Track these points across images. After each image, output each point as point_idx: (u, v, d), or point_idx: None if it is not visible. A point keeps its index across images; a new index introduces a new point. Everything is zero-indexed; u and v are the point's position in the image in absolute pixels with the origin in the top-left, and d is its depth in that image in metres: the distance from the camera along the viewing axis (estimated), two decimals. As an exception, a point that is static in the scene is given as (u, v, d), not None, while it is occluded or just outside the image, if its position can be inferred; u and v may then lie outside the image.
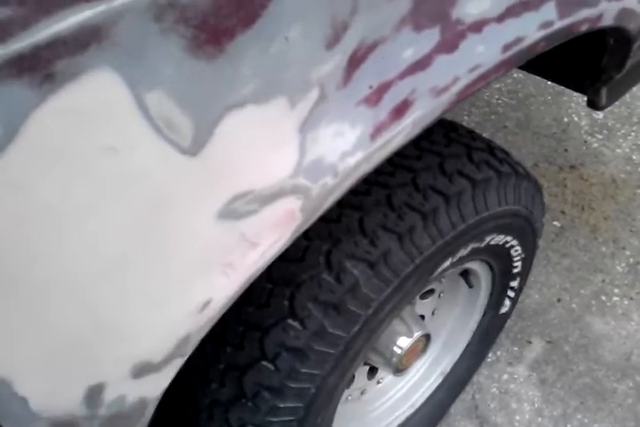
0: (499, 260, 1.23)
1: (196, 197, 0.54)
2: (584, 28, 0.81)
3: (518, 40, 0.71)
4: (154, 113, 0.46)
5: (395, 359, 1.15)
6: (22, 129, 0.40)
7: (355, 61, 0.58)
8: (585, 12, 0.79)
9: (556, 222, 1.94)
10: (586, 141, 2.19)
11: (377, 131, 0.62)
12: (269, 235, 0.60)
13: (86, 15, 0.40)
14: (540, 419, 1.53)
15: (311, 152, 0.59)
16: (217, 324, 0.92)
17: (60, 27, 0.39)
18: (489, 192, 1.05)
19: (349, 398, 1.24)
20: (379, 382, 1.32)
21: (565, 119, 2.25)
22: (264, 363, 0.88)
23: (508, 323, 1.63)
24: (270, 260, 0.63)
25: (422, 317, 1.33)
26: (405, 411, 1.35)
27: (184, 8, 0.44)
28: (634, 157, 2.13)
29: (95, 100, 0.43)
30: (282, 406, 0.90)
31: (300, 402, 0.91)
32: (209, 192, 0.54)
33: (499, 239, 1.15)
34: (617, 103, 2.34)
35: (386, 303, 0.95)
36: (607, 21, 0.85)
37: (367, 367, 1.27)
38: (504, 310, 1.38)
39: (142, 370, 0.58)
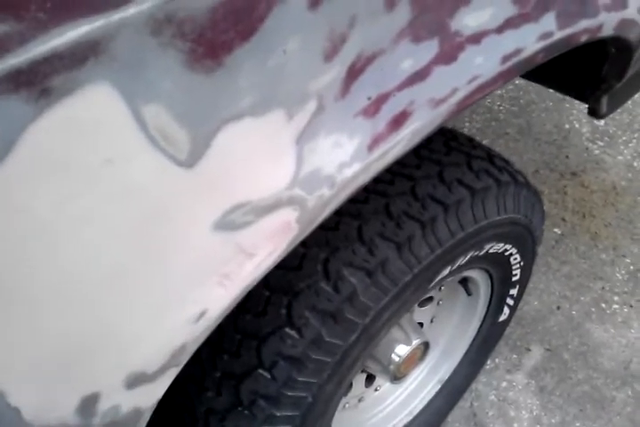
0: (498, 268, 1.23)
1: (193, 208, 0.54)
2: (584, 38, 0.81)
3: (517, 51, 0.71)
4: (151, 126, 0.46)
5: (392, 367, 1.15)
6: (19, 142, 0.40)
7: (353, 73, 0.58)
8: (584, 23, 0.79)
9: (556, 229, 1.93)
10: (587, 148, 2.19)
11: (375, 142, 0.62)
12: (265, 246, 0.60)
13: (84, 30, 0.40)
14: (538, 427, 1.52)
15: (308, 163, 0.59)
16: (214, 331, 0.92)
17: (58, 42, 0.39)
18: (488, 201, 1.05)
19: (347, 405, 1.24)
20: (376, 390, 1.32)
21: (567, 126, 2.25)
22: (261, 371, 0.88)
23: (508, 330, 1.63)
24: (267, 270, 0.63)
25: (421, 324, 1.33)
26: (403, 418, 1.35)
27: (181, 22, 0.44)
28: (635, 165, 2.13)
29: (91, 113, 0.43)
30: (278, 414, 0.90)
31: (296, 411, 0.91)
32: (205, 204, 0.54)
33: (498, 247, 1.15)
34: (618, 110, 2.34)
35: (384, 312, 0.95)
36: (607, 32, 0.85)
37: (365, 375, 1.27)
38: (503, 317, 1.38)
39: (136, 380, 0.58)
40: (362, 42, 0.57)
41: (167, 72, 0.46)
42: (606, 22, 0.83)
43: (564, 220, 1.96)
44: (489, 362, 1.62)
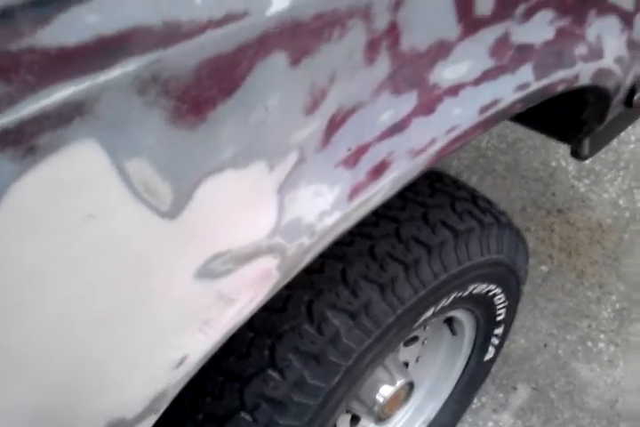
0: (482, 308, 1.24)
1: (175, 257, 0.55)
2: (561, 88, 0.83)
3: (495, 102, 0.73)
4: (134, 180, 0.48)
5: (377, 408, 1.15)
6: (3, 199, 0.41)
7: (333, 125, 0.60)
8: (561, 74, 0.82)
9: (543, 267, 1.95)
10: (573, 186, 2.22)
11: (355, 191, 0.63)
12: (246, 293, 0.61)
13: (70, 91, 0.41)
14: (525, 468, 1.51)
15: (289, 212, 0.60)
16: (197, 373, 0.92)
17: (45, 102, 0.40)
18: (471, 242, 1.06)
19: (332, 446, 1.23)
20: (361, 430, 1.32)
21: (553, 164, 2.28)
22: (243, 414, 0.88)
23: (494, 368, 1.63)
24: (248, 316, 0.63)
25: (406, 363, 1.33)
26: (389, 459, 1.34)
27: (166, 81, 0.46)
28: (620, 202, 2.16)
29: (76, 169, 0.44)
30: (260, 458, 0.89)
31: (279, 454, 0.91)
32: (187, 253, 0.55)
33: (481, 288, 1.16)
34: (604, 149, 2.38)
35: (367, 353, 0.96)
36: (584, 81, 0.88)
37: (349, 415, 1.26)
38: (488, 356, 1.38)
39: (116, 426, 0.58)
40: (342, 96, 0.59)
41: (151, 128, 0.47)
42: (583, 72, 0.86)
43: (550, 257, 1.97)
44: (475, 401, 1.61)
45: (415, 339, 1.31)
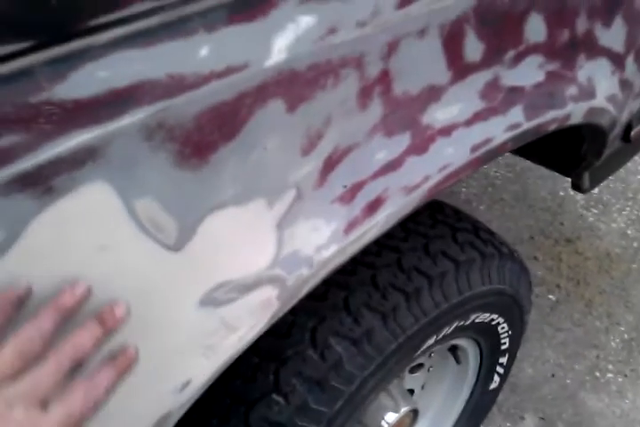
0: (485, 337, 1.26)
1: (180, 287, 0.59)
2: (552, 127, 0.87)
3: (486, 141, 0.77)
4: (142, 217, 0.52)
5: (381, 435, 1.17)
6: (23, 234, 0.46)
7: (329, 165, 0.64)
8: (552, 114, 0.86)
9: (551, 296, 1.96)
10: (581, 215, 2.24)
11: (351, 226, 0.68)
12: (248, 320, 0.65)
13: (84, 138, 0.46)
14: None
15: (288, 246, 0.64)
16: (205, 395, 0.96)
17: (61, 149, 0.45)
18: (472, 273, 1.09)
19: (336, 472, 1.25)
20: (367, 457, 1.33)
21: (561, 193, 2.31)
22: (247, 438, 0.91)
23: (501, 397, 1.65)
24: (249, 342, 0.67)
25: (412, 391, 1.35)
26: (394, 487, 1.35)
27: (171, 128, 0.51)
28: (629, 232, 2.17)
29: (88, 207, 0.49)
30: (264, 482, 0.92)
31: (282, 478, 0.93)
32: (191, 283, 0.59)
33: (484, 317, 1.19)
34: (612, 178, 2.41)
35: (369, 380, 0.99)
36: (576, 120, 0.92)
37: (355, 441, 1.28)
38: (494, 385, 1.40)
39: (123, 448, 0.62)
40: (337, 137, 0.64)
41: (158, 170, 0.52)
42: (574, 112, 0.90)
43: (558, 286, 1.99)
44: (483, 430, 1.62)
45: (420, 366, 1.33)
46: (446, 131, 0.73)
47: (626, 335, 1.85)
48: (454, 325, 1.12)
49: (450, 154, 0.74)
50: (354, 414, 1.01)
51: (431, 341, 1.09)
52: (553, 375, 1.75)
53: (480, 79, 0.75)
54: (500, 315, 1.23)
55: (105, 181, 0.49)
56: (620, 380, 1.74)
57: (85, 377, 0.49)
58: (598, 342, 1.83)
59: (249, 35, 0.53)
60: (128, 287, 0.55)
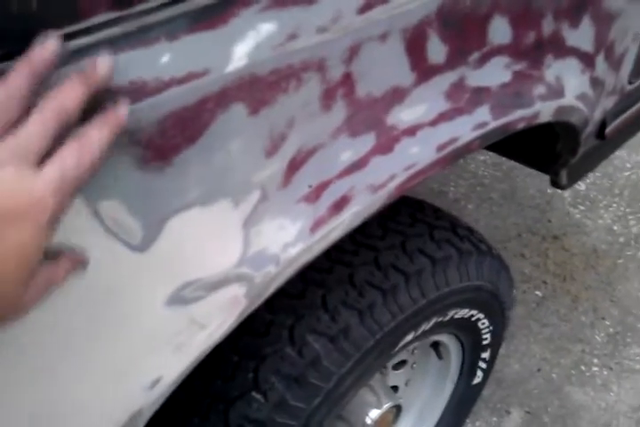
0: (466, 333, 1.28)
1: (147, 286, 0.61)
2: (521, 125, 0.89)
3: (453, 140, 0.79)
4: (106, 218, 0.54)
5: (364, 430, 1.19)
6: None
7: (294, 166, 0.66)
8: (520, 113, 0.87)
9: (537, 292, 1.98)
10: (568, 213, 2.26)
11: (316, 224, 0.69)
12: (216, 318, 0.67)
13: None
14: None
15: (255, 245, 0.66)
16: (186, 395, 0.98)
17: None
18: (449, 269, 1.11)
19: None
20: (351, 454, 1.35)
21: (549, 191, 2.33)
22: (227, 434, 0.93)
23: (488, 392, 1.67)
24: (219, 340, 0.69)
25: (396, 387, 1.37)
26: (378, 483, 1.37)
27: (134, 132, 0.52)
28: (615, 228, 2.19)
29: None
30: (243, 477, 0.94)
31: (262, 474, 0.95)
32: (158, 282, 0.61)
33: (463, 313, 1.21)
34: (599, 175, 2.43)
35: (347, 376, 1.00)
36: (545, 118, 0.94)
37: (338, 437, 1.30)
38: (477, 381, 1.42)
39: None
40: (301, 139, 0.65)
41: (122, 173, 0.54)
42: (543, 110, 0.92)
43: (545, 282, 2.01)
44: (469, 425, 1.64)
45: (404, 363, 1.35)
46: (411, 131, 0.75)
47: (611, 329, 1.87)
48: (433, 321, 1.14)
49: (415, 153, 0.76)
50: (333, 410, 1.03)
51: (409, 337, 1.10)
52: (539, 370, 1.77)
53: (445, 80, 0.77)
54: (480, 311, 1.25)
55: (68, 184, 0.50)
56: (605, 373, 1.76)
57: (75, 136, 0.46)
58: (584, 336, 1.85)
59: (210, 42, 0.55)
60: (95, 287, 0.57)
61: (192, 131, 0.57)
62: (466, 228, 1.23)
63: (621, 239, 2.14)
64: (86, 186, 0.51)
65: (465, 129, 0.80)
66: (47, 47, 0.45)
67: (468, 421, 1.59)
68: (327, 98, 0.65)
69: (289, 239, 0.68)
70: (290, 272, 0.70)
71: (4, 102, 0.43)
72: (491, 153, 2.47)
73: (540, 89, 0.91)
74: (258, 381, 0.96)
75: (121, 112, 0.48)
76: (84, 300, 0.56)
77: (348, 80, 0.66)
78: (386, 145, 0.73)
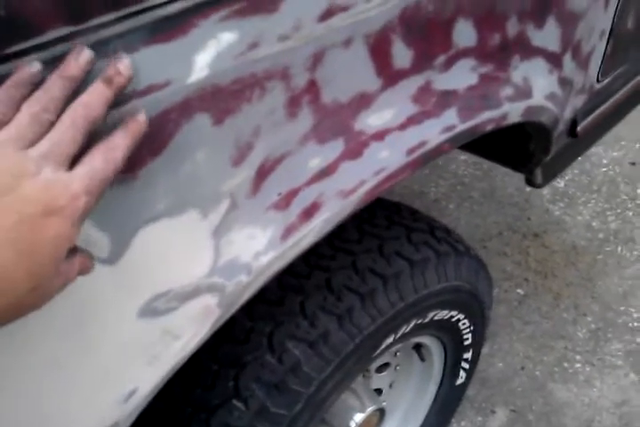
0: (447, 334, 1.29)
1: (118, 299, 0.60)
2: (489, 127, 0.90)
3: (422, 144, 0.80)
4: (71, 232, 0.54)
5: (348, 434, 1.19)
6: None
7: (262, 174, 0.66)
8: (488, 114, 0.88)
9: (519, 290, 2.00)
10: (548, 210, 2.28)
11: (287, 232, 0.69)
12: (190, 328, 0.66)
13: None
14: (504, 490, 1.54)
15: (225, 254, 0.66)
16: (168, 404, 0.97)
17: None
18: (428, 271, 1.12)
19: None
20: (337, 458, 1.35)
21: (527, 189, 2.34)
22: (209, 444, 0.92)
23: (472, 392, 1.68)
24: (193, 350, 0.69)
25: (380, 390, 1.37)
26: (364, 486, 1.37)
27: (95, 146, 0.52)
28: (594, 224, 2.21)
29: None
30: (226, 486, 0.94)
31: (245, 482, 0.95)
32: (129, 294, 0.61)
33: (443, 314, 1.21)
34: (577, 171, 2.45)
35: (328, 381, 1.00)
36: (514, 119, 0.95)
37: (323, 442, 1.30)
38: (460, 381, 1.42)
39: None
40: (268, 147, 0.65)
41: (86, 186, 0.53)
42: (511, 112, 0.93)
43: (526, 280, 2.03)
44: (454, 425, 1.65)
45: (387, 365, 1.35)
46: (380, 135, 0.75)
47: (592, 325, 1.88)
48: (413, 323, 1.14)
49: (385, 158, 0.76)
50: (315, 415, 1.03)
51: (390, 340, 1.11)
52: (522, 368, 1.78)
53: (411, 84, 0.77)
54: (460, 311, 1.26)
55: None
56: (587, 369, 1.77)
57: (101, 142, 0.50)
58: (566, 333, 1.87)
59: (169, 54, 0.55)
60: (67, 303, 0.57)
61: (156, 143, 0.57)
62: (443, 229, 1.24)
63: (600, 235, 2.16)
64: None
65: (433, 132, 0.81)
66: (80, 60, 0.49)
67: (453, 421, 1.60)
68: (292, 105, 0.66)
69: (260, 248, 0.68)
70: (263, 280, 0.70)
71: (45, 103, 0.48)
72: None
73: (507, 90, 0.92)
74: (238, 388, 0.96)
75: (141, 119, 0.52)
76: (55, 314, 0.56)
77: (312, 87, 0.67)
78: (355, 150, 0.73)
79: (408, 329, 1.14)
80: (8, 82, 0.48)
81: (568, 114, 1.15)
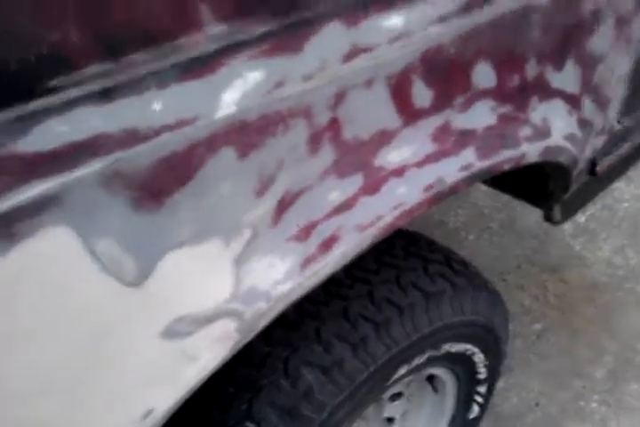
0: (461, 366, 1.29)
1: (141, 320, 0.63)
2: (507, 166, 0.92)
3: (439, 181, 0.82)
4: (101, 256, 0.57)
5: (357, 463, 1.19)
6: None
7: (283, 206, 0.69)
8: (506, 154, 0.91)
9: (537, 325, 1.99)
10: (568, 244, 2.28)
11: (306, 262, 0.72)
12: (208, 352, 0.69)
13: (45, 186, 0.51)
14: None
15: (245, 281, 0.69)
16: (184, 424, 0.99)
17: (21, 197, 0.50)
18: (443, 304, 1.13)
19: None
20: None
21: (548, 222, 2.34)
22: (220, 466, 0.94)
23: (486, 426, 1.67)
24: (211, 372, 0.71)
25: (392, 419, 1.37)
26: None
27: (127, 176, 0.56)
28: (614, 261, 2.20)
29: (50, 249, 0.54)
30: None
31: None
32: (152, 317, 0.64)
33: (458, 347, 1.22)
34: (599, 207, 2.45)
35: (340, 408, 1.02)
36: (532, 159, 0.97)
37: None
38: (473, 415, 1.42)
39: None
40: (289, 180, 0.69)
41: (116, 214, 0.57)
42: (529, 151, 0.95)
43: (544, 315, 2.02)
44: (467, 459, 1.64)
45: (400, 395, 1.36)
46: (398, 172, 0.78)
47: (610, 364, 1.87)
48: (426, 355, 1.15)
49: (402, 193, 0.79)
50: (326, 442, 1.04)
51: (403, 370, 1.12)
52: (537, 404, 1.77)
53: (431, 123, 0.80)
54: (475, 345, 1.26)
55: (65, 223, 0.54)
56: (603, 409, 1.75)
57: None
58: (583, 371, 1.85)
59: (199, 90, 0.59)
60: (91, 322, 0.60)
61: (183, 174, 0.60)
62: (460, 261, 1.25)
63: (620, 272, 2.15)
64: (83, 225, 0.55)
65: (451, 170, 0.83)
66: None
67: (465, 455, 1.59)
68: (314, 142, 0.69)
69: (279, 277, 0.71)
70: (281, 308, 0.72)
71: None
72: (491, 186, 2.50)
73: (526, 130, 0.94)
74: (252, 411, 0.98)
75: None
76: (78, 332, 0.59)
77: (334, 125, 0.70)
78: (373, 186, 0.76)
79: (422, 360, 1.15)
80: None
81: (588, 154, 1.17)
